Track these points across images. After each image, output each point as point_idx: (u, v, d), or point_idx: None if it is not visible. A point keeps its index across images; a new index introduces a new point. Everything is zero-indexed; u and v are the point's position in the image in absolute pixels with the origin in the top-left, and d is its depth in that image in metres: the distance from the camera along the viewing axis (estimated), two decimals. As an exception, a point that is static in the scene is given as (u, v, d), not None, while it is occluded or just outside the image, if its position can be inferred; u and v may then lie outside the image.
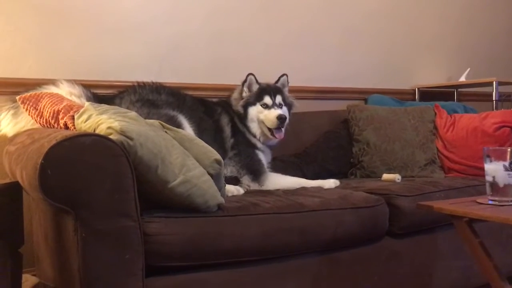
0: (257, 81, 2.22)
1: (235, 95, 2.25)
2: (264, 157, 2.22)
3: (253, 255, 1.55)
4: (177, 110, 1.97)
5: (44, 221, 1.61)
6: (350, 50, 3.07)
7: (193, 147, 1.57)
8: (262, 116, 2.18)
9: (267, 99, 2.19)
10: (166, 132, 1.57)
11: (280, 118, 2.13)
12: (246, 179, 2.10)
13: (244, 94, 2.22)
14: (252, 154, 2.17)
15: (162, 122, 1.61)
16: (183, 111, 1.99)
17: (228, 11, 2.66)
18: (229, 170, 2.09)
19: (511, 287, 1.49)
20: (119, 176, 1.30)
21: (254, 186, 2.08)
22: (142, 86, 2.03)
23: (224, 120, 2.20)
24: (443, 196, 1.99)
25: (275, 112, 2.16)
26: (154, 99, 1.98)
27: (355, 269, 1.78)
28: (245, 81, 2.21)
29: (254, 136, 2.21)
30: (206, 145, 1.62)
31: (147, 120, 1.58)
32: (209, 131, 2.10)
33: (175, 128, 1.63)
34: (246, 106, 2.19)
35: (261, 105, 2.19)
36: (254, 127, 2.20)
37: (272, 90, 2.23)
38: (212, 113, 2.19)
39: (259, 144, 2.22)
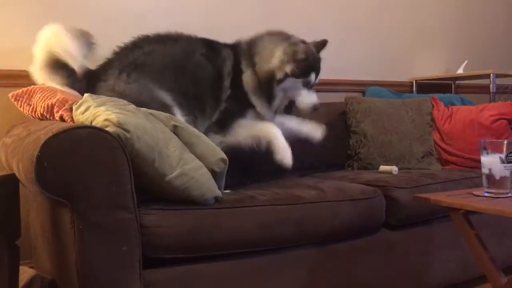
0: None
1: (279, 53, 1.91)
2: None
3: (250, 247, 1.56)
4: (167, 59, 1.82)
5: (41, 213, 1.61)
6: (348, 43, 3.06)
7: (199, 144, 1.57)
8: (297, 94, 1.92)
9: (312, 78, 1.94)
10: (176, 126, 1.56)
11: (315, 109, 1.94)
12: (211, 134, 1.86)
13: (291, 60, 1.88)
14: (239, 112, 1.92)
15: (172, 116, 1.60)
16: (174, 61, 1.84)
17: (227, 3, 2.64)
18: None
19: (506, 278, 1.50)
20: (116, 169, 1.30)
21: (216, 139, 1.83)
22: (119, 51, 1.87)
23: (227, 69, 1.95)
24: (440, 188, 2.00)
25: (313, 97, 1.92)
26: (136, 57, 1.83)
27: (352, 261, 1.79)
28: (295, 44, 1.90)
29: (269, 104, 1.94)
30: (211, 142, 1.61)
31: (150, 111, 1.56)
32: (206, 80, 1.90)
33: (183, 124, 1.61)
34: (287, 74, 1.89)
35: (303, 82, 1.93)
36: (278, 100, 1.94)
37: (319, 66, 1.95)
38: (215, 57, 1.95)
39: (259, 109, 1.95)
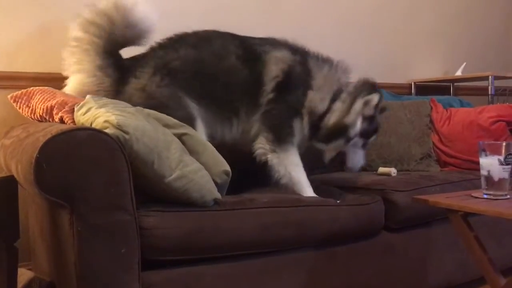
0: None
1: (358, 108, 1.90)
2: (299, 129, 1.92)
3: (249, 249, 1.56)
4: (198, 65, 1.81)
5: (39, 215, 1.61)
6: (347, 45, 3.05)
7: (204, 153, 1.57)
8: (352, 152, 1.97)
9: (372, 139, 2.00)
10: (185, 133, 1.56)
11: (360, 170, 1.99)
12: (262, 138, 1.85)
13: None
14: (290, 116, 1.89)
15: (182, 124, 1.60)
16: (205, 68, 1.82)
17: (226, 6, 2.64)
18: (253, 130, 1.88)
19: (505, 280, 1.50)
20: (115, 170, 1.29)
21: (266, 147, 1.84)
22: (156, 49, 1.86)
23: (270, 73, 1.88)
24: (439, 190, 2.00)
25: (363, 159, 1.99)
26: (170, 60, 1.82)
27: (351, 263, 1.79)
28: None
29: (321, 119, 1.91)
30: (218, 153, 1.61)
31: (159, 115, 1.56)
32: (240, 85, 1.86)
33: (192, 132, 1.61)
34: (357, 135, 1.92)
35: (364, 143, 1.97)
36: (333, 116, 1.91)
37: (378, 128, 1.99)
38: (254, 59, 1.90)
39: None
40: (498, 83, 3.14)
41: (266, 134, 1.85)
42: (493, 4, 3.77)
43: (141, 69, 1.81)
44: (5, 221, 1.56)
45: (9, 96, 1.77)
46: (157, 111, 1.62)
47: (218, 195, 1.53)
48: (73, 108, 1.57)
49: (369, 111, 1.93)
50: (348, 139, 1.94)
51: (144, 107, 1.61)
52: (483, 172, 1.52)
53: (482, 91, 3.24)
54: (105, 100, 1.54)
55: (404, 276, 1.93)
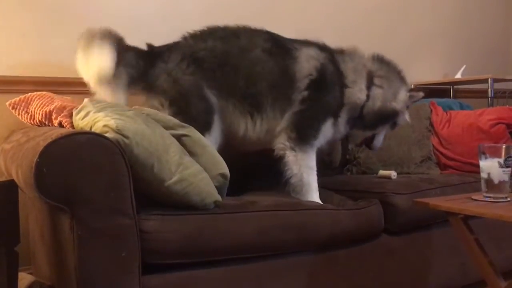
0: None
1: (404, 96, 2.05)
2: (330, 132, 1.95)
3: (249, 252, 1.55)
4: (223, 57, 1.85)
5: (40, 219, 1.61)
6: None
7: (203, 154, 1.58)
8: (379, 135, 2.11)
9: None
10: (184, 134, 1.57)
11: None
12: (284, 135, 1.86)
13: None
14: (323, 118, 1.90)
15: (183, 124, 1.61)
16: (228, 58, 1.85)
17: (226, 8, 2.65)
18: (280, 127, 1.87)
19: (506, 283, 1.50)
20: (115, 174, 1.30)
21: (287, 144, 1.85)
22: (187, 37, 1.90)
23: (303, 70, 1.88)
24: (439, 193, 2.00)
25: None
26: (198, 49, 1.85)
27: (352, 266, 1.79)
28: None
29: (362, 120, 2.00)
30: (217, 155, 1.62)
31: (158, 116, 1.58)
32: (264, 78, 1.86)
33: (191, 132, 1.61)
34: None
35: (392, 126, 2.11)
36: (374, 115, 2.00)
37: None
38: (282, 53, 1.91)
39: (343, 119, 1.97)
40: (497, 85, 3.14)
41: (290, 132, 1.85)
42: (492, 7, 3.77)
43: (170, 54, 1.85)
44: (5, 225, 1.56)
45: (7, 103, 1.78)
46: (179, 100, 1.71)
47: (218, 198, 1.53)
48: (72, 113, 1.57)
49: (410, 103, 2.08)
50: (395, 124, 2.07)
51: (168, 91, 1.70)
52: (483, 175, 1.52)
53: (481, 94, 3.25)
54: (104, 103, 1.54)
55: (404, 279, 1.93)
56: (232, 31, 1.93)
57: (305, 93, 1.87)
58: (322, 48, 2.01)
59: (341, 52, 2.04)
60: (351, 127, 2.03)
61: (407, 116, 2.10)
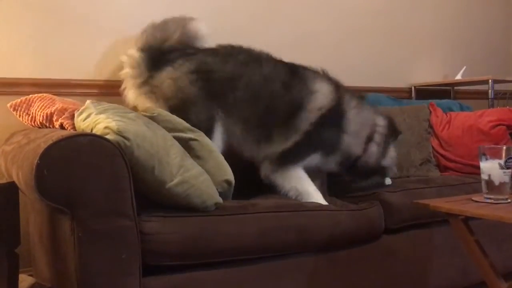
0: None
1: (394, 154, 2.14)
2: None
3: (250, 254, 1.55)
4: (242, 84, 1.85)
5: (40, 221, 1.61)
6: (347, 49, 3.06)
7: (209, 160, 1.58)
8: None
9: None
10: (192, 138, 1.58)
11: None
12: (267, 161, 1.85)
13: None
14: (314, 151, 1.89)
15: (192, 128, 1.62)
16: (240, 87, 1.85)
17: (226, 10, 2.65)
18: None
19: (506, 284, 1.50)
20: (115, 176, 1.30)
21: (269, 168, 1.85)
22: (206, 53, 1.91)
23: (316, 102, 1.89)
24: (434, 192, 2.01)
25: None
26: (215, 70, 1.86)
27: (352, 267, 1.79)
28: None
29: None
30: (224, 161, 1.62)
31: (168, 118, 1.59)
32: (279, 110, 1.87)
33: (199, 137, 1.62)
34: None
35: None
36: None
37: None
38: (298, 87, 1.91)
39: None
40: (498, 86, 3.14)
41: (272, 157, 1.85)
42: (493, 8, 3.77)
43: (182, 63, 1.85)
44: (5, 227, 1.56)
45: (8, 105, 1.78)
46: (180, 107, 1.72)
47: (219, 200, 1.53)
48: (73, 114, 1.57)
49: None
50: (384, 176, 2.10)
51: (171, 98, 1.72)
52: (484, 176, 1.52)
53: (482, 95, 3.24)
54: (106, 105, 1.55)
55: (405, 281, 1.92)
56: (254, 58, 1.93)
57: (311, 127, 1.87)
58: (337, 86, 2.00)
59: (356, 98, 2.05)
60: (343, 170, 2.01)
61: (395, 169, 2.18)
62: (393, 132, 2.12)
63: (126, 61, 1.92)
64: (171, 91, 1.80)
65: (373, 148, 2.01)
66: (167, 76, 1.82)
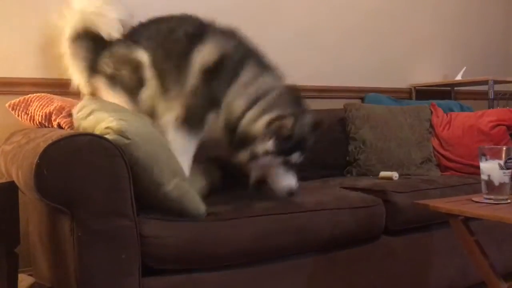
0: None
1: (263, 125, 1.65)
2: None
3: (249, 257, 1.55)
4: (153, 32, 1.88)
5: (40, 221, 1.61)
6: (347, 50, 3.06)
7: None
8: (272, 173, 1.77)
9: (295, 157, 1.76)
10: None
11: (290, 193, 1.76)
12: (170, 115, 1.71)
13: None
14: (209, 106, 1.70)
15: None
16: (158, 35, 1.86)
17: (226, 10, 2.64)
18: None
19: (506, 285, 1.50)
20: (115, 176, 1.30)
21: (170, 125, 1.67)
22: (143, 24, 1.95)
23: (202, 63, 1.74)
24: (439, 193, 2.00)
25: (290, 179, 1.76)
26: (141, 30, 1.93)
27: (352, 268, 1.79)
28: None
29: None
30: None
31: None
32: (176, 58, 1.77)
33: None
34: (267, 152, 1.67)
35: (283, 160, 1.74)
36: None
37: (306, 146, 1.80)
38: (195, 41, 1.83)
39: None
40: (498, 87, 3.14)
41: (177, 111, 1.67)
42: (493, 8, 3.77)
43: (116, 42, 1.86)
44: (5, 227, 1.56)
45: (7, 105, 1.78)
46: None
47: (203, 209, 1.48)
48: (70, 113, 1.57)
49: (284, 131, 1.65)
50: (255, 155, 1.66)
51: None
52: (484, 177, 1.52)
53: (482, 96, 3.24)
54: (103, 102, 1.54)
55: (405, 281, 1.92)
56: (169, 16, 1.96)
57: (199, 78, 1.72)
58: (240, 42, 1.92)
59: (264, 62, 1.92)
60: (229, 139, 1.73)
61: (268, 145, 1.66)
62: (297, 103, 1.79)
63: None
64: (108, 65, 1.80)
65: (250, 113, 1.67)
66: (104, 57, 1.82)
